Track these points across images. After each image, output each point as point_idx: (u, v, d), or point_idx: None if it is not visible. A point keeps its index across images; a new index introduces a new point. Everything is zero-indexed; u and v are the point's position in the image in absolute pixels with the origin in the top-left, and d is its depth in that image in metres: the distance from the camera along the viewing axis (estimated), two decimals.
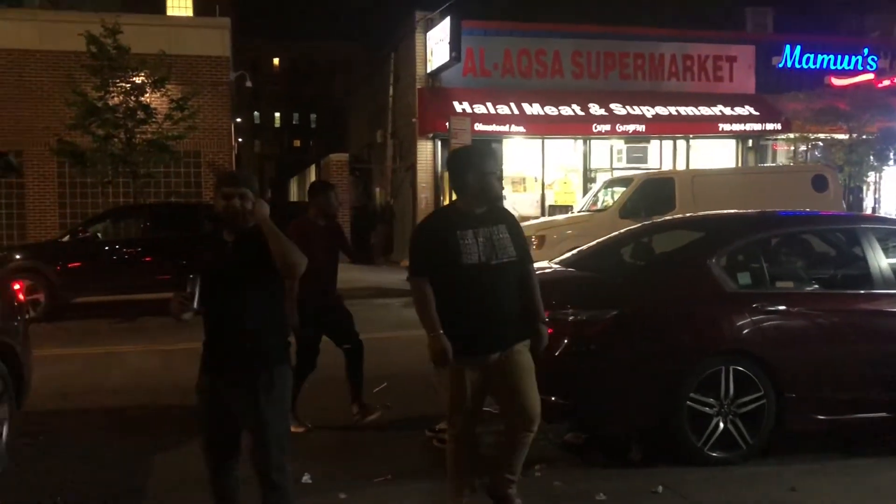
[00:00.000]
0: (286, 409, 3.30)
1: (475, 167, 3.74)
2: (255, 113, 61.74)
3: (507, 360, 3.71)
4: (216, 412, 3.25)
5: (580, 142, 19.61)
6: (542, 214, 18.20)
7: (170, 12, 22.56)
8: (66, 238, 12.47)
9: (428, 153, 19.07)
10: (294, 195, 44.21)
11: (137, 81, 14.49)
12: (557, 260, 6.30)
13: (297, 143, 64.41)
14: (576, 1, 22.56)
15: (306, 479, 4.57)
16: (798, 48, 21.02)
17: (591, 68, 19.84)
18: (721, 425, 4.76)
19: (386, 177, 22.31)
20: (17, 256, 11.53)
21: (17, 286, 5.44)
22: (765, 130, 19.80)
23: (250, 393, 3.15)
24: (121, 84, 14.37)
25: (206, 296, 3.12)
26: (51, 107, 15.80)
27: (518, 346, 3.76)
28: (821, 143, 19.77)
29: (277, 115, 65.32)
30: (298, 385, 5.38)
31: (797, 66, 21.02)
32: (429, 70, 18.90)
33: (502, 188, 3.85)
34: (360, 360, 5.75)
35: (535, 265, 4.08)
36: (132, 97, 14.46)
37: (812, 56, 21.12)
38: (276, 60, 63.61)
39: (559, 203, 19.03)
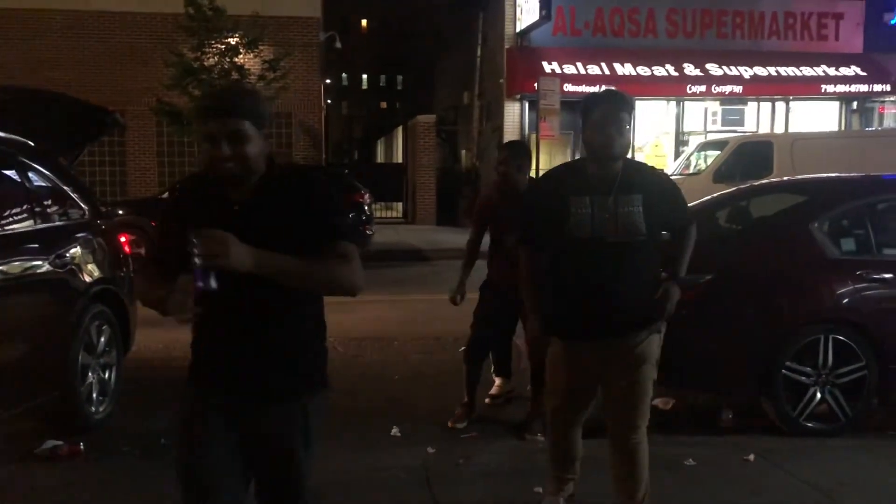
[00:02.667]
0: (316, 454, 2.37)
1: (587, 115, 3.04)
2: (343, 74, 62.34)
3: (619, 351, 3.15)
4: (216, 451, 2.19)
5: (673, 103, 19.04)
6: None
7: None
8: (166, 195, 12.95)
9: (515, 115, 18.88)
10: (381, 156, 44.62)
11: (232, 43, 14.83)
12: None
13: (384, 104, 64.79)
14: None
15: (395, 432, 4.67)
16: None
17: (686, 27, 19.15)
18: (818, 395, 4.61)
19: (472, 139, 22.24)
20: (120, 212, 12.05)
21: (122, 239, 5.70)
22: (872, 92, 18.76)
23: (284, 424, 2.23)
24: (216, 45, 14.73)
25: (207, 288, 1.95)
26: (150, 68, 16.32)
27: (636, 338, 3.14)
28: None
29: (365, 76, 65.75)
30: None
31: None
32: (518, 29, 18.63)
33: (627, 144, 3.04)
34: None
35: None
36: (227, 58, 14.82)
37: None
38: (364, 22, 63.87)
39: None
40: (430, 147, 20.60)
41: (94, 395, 4.86)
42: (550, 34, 18.42)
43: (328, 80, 27.12)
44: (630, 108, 3.00)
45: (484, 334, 4.78)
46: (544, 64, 17.59)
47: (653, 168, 3.34)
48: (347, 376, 6.08)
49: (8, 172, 4.55)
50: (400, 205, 22.99)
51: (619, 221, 2.99)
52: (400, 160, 25.93)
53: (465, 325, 4.95)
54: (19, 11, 16.85)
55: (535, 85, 16.00)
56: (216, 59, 14.70)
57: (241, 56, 15.04)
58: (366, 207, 13.35)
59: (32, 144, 4.86)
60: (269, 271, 1.99)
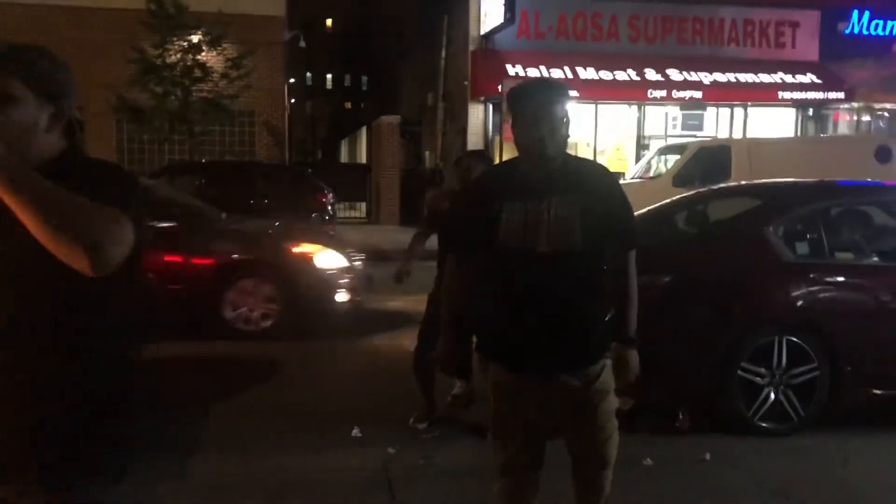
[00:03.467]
0: None
1: (515, 110, 2.56)
2: (308, 74, 61.94)
3: (569, 388, 2.59)
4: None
5: (634, 107, 19.27)
6: None
7: None
8: None
9: (479, 117, 18.95)
10: (344, 156, 44.38)
11: (194, 40, 14.66)
12: None
13: (349, 105, 64.53)
14: None
15: (356, 432, 4.67)
16: (867, 13, 20.21)
17: (648, 32, 19.41)
18: (772, 396, 4.71)
19: (436, 140, 22.26)
20: None
21: None
22: (827, 99, 19.19)
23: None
24: (178, 42, 14.56)
25: None
26: (110, 64, 16.06)
27: (587, 371, 2.61)
28: (886, 114, 19.11)
29: (329, 76, 65.42)
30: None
31: (864, 32, 20.23)
32: (482, 32, 18.70)
33: (563, 140, 2.54)
34: None
35: None
36: (189, 55, 14.65)
37: (881, 22, 20.31)
38: (328, 21, 63.56)
39: (611, 169, 18.78)
40: (394, 148, 20.58)
41: None
42: (514, 37, 18.53)
43: (292, 80, 26.94)
44: (565, 99, 2.53)
45: (427, 348, 4.72)
46: (508, 66, 17.69)
47: (597, 165, 2.91)
48: (307, 376, 6.06)
49: None
50: (363, 205, 22.92)
51: (551, 228, 2.49)
52: (364, 160, 25.85)
53: None
54: None
55: (499, 87, 16.08)
56: (178, 56, 14.53)
57: (203, 53, 14.88)
58: (329, 207, 13.31)
59: None
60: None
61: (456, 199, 3.05)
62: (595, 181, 2.61)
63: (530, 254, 2.50)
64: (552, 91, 2.56)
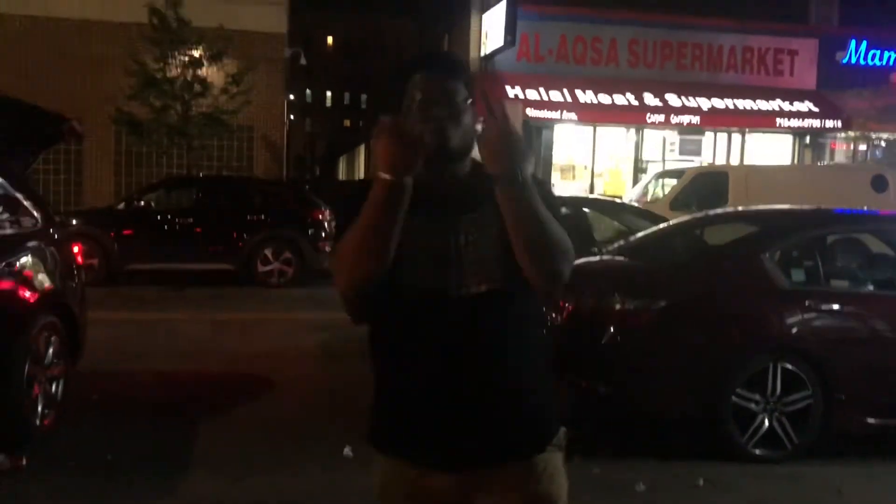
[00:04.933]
0: None
1: (403, 90, 1.83)
2: (308, 91, 62.20)
3: (498, 489, 1.81)
4: None
5: (632, 131, 19.36)
6: None
7: None
8: (122, 206, 12.75)
9: None
10: (343, 174, 44.48)
11: (196, 55, 14.72)
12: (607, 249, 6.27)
13: (348, 122, 64.77)
14: None
15: (347, 451, 4.63)
16: (864, 43, 20.41)
17: (647, 57, 19.54)
18: (766, 423, 4.69)
19: None
20: (74, 221, 11.83)
21: (75, 249, 5.60)
22: (824, 128, 19.31)
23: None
24: (179, 57, 14.62)
25: None
26: (110, 77, 16.11)
27: (526, 465, 1.82)
28: (883, 143, 19.22)
29: (329, 93, 65.69)
30: None
31: (862, 62, 20.41)
32: (483, 53, 18.80)
33: (470, 131, 1.81)
34: None
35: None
36: (190, 70, 14.71)
37: (878, 52, 20.49)
38: (329, 39, 63.93)
39: (608, 193, 18.85)
40: None
41: (40, 408, 4.74)
42: (514, 59, 18.64)
43: (292, 96, 27.03)
44: (467, 78, 1.83)
45: None
46: (508, 88, 17.78)
47: None
48: (298, 392, 6.02)
49: None
50: None
51: (465, 259, 1.75)
52: (362, 178, 25.88)
53: None
54: None
55: None
56: (179, 70, 14.58)
57: (204, 68, 14.93)
58: (325, 224, 13.29)
59: None
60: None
61: (338, 220, 1.88)
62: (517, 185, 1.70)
63: (439, 298, 1.74)
64: (452, 63, 1.85)
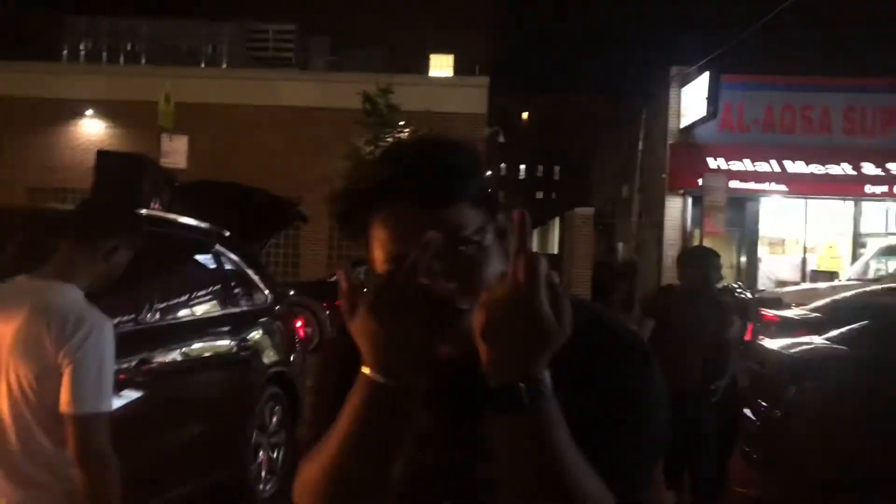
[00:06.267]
0: None
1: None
2: (502, 165, 63.81)
3: None
4: None
5: (850, 203, 17.99)
6: (803, 280, 16.87)
7: (432, 71, 24.14)
8: (334, 279, 13.57)
9: (677, 210, 18.51)
10: (536, 246, 44.81)
11: (403, 136, 15.65)
12: (825, 335, 5.81)
13: (540, 194, 65.50)
14: (848, 53, 20.92)
15: None
16: None
17: (865, 124, 18.22)
18: None
19: (630, 232, 21.94)
20: (291, 292, 12.75)
21: (298, 323, 6.04)
22: None
23: None
24: (388, 139, 15.60)
25: None
26: (327, 159, 17.39)
27: None
28: None
29: (522, 167, 66.97)
30: None
31: None
32: (682, 125, 18.43)
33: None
34: None
35: (797, 340, 3.48)
36: None
37: None
38: (524, 114, 65.50)
39: (823, 269, 17.53)
40: (587, 239, 20.49)
41: (263, 474, 5.08)
42: (716, 130, 18.06)
43: (489, 172, 27.86)
44: (482, 189, 1.12)
45: None
46: (709, 160, 17.24)
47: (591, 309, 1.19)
48: None
49: (205, 259, 4.97)
50: None
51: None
52: (555, 251, 25.93)
53: None
54: (213, 106, 18.59)
55: (699, 181, 15.68)
56: None
57: None
58: None
59: (227, 234, 5.29)
60: None
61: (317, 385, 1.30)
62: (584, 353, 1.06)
63: None
64: (450, 168, 1.09)
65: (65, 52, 21.16)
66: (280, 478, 5.25)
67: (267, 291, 5.57)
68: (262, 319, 5.32)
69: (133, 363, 3.57)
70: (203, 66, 21.11)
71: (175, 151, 12.03)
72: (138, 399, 3.39)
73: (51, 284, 2.10)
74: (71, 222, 2.23)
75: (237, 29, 21.68)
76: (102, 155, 5.54)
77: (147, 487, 3.55)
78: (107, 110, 19.49)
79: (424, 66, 23.77)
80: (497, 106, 29.69)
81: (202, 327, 4.56)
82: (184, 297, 4.46)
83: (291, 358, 5.66)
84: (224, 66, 21.20)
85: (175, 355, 4.12)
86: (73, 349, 1.99)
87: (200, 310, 4.63)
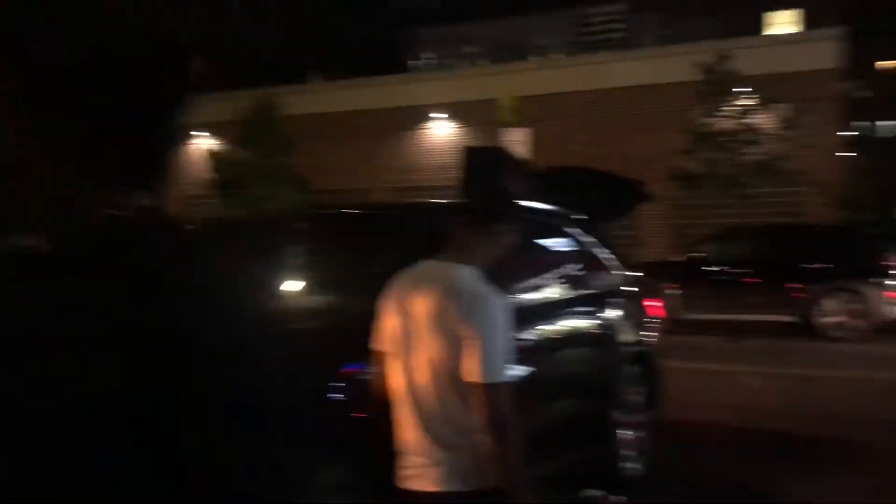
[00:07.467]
0: None
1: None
2: (874, 124, 56.60)
3: None
4: None
5: None
6: None
7: (772, 29, 22.21)
8: (683, 258, 13.16)
9: None
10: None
11: (746, 104, 14.69)
12: None
13: None
14: None
15: None
16: None
17: None
18: None
19: None
20: (640, 274, 12.64)
21: (654, 303, 5.98)
22: None
23: None
24: (728, 108, 14.74)
25: None
26: (661, 135, 16.92)
27: None
28: None
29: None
30: None
31: None
32: None
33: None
34: None
35: None
36: (739, 120, 14.72)
37: None
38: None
39: None
40: None
41: (625, 454, 5.09)
42: None
43: (854, 133, 24.97)
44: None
45: None
46: None
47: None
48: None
49: (562, 242, 5.07)
50: None
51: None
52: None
53: None
54: (548, 97, 18.91)
55: None
56: (729, 121, 14.71)
57: (753, 116, 14.79)
58: (888, 271, 11.76)
59: (583, 217, 5.34)
60: None
61: None
62: None
63: None
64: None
65: (413, 62, 23.34)
66: (642, 460, 5.22)
67: (621, 272, 5.57)
68: (620, 299, 5.33)
69: (522, 338, 3.76)
70: (535, 58, 21.76)
71: (519, 143, 12.59)
72: (527, 373, 3.53)
73: (453, 266, 2.32)
74: (466, 212, 2.43)
75: (565, 17, 22.09)
76: (469, 151, 5.91)
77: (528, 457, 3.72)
78: (452, 112, 20.93)
79: (760, 28, 22.15)
80: (866, 56, 26.50)
81: (568, 305, 4.67)
82: (549, 278, 4.62)
83: (650, 338, 5.61)
84: (554, 55, 21.66)
85: (550, 333, 4.27)
86: (476, 324, 2.16)
87: (564, 290, 4.74)
